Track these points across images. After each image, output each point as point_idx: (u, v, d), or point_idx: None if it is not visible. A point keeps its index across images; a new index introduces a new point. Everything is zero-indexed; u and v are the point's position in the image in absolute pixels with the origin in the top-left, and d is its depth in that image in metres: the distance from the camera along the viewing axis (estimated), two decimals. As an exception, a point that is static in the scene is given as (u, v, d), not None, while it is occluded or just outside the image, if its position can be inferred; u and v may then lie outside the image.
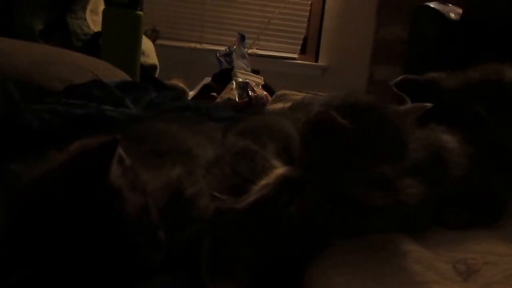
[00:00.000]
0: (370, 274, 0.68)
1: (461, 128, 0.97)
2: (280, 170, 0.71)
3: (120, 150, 0.57)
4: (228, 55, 2.41)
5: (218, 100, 2.03)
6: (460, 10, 2.27)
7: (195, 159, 0.81)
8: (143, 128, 0.92)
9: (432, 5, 2.34)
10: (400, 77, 1.09)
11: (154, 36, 3.06)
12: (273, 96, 1.83)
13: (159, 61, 2.56)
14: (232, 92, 2.01)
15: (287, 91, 1.67)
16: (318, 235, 0.75)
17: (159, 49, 2.68)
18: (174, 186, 0.71)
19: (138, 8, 2.02)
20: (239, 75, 2.19)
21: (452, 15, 2.27)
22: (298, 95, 1.61)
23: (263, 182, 0.70)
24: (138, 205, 0.59)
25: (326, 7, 3.46)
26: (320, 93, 1.56)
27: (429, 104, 0.82)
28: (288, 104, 1.47)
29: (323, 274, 0.69)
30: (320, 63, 3.50)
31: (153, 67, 2.49)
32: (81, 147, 0.57)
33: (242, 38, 2.50)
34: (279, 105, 1.58)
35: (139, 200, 0.60)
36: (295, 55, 3.52)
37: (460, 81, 1.05)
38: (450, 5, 2.36)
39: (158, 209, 0.63)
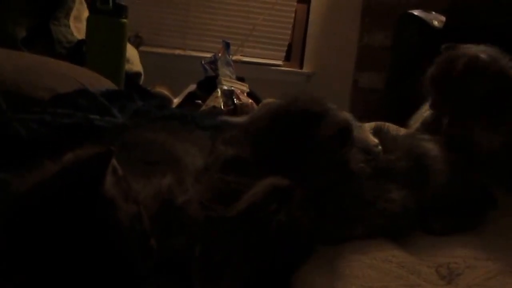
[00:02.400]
0: (356, 279, 0.70)
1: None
2: (269, 179, 0.73)
3: (114, 161, 0.59)
4: (213, 62, 2.41)
5: (204, 107, 2.04)
6: (443, 18, 2.32)
7: (185, 168, 0.82)
8: (133, 137, 0.93)
9: (415, 12, 2.38)
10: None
11: (137, 42, 3.06)
12: (259, 105, 1.85)
13: (142, 68, 2.57)
14: (217, 100, 2.02)
15: (272, 100, 1.68)
16: (305, 241, 0.76)
17: (142, 55, 2.68)
18: (165, 195, 0.72)
19: (123, 16, 2.02)
20: (224, 82, 2.20)
21: (436, 23, 2.31)
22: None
23: (253, 190, 0.71)
24: (131, 213, 0.60)
25: (310, 14, 3.48)
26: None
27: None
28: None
29: (310, 279, 0.71)
30: (304, 69, 3.52)
31: (138, 74, 2.49)
32: (75, 158, 0.58)
33: (227, 45, 2.51)
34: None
35: (132, 209, 0.61)
36: (280, 62, 3.54)
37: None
38: (433, 13, 2.40)
39: (150, 217, 0.64)
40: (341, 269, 0.73)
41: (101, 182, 0.57)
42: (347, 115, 0.88)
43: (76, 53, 2.16)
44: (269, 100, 1.70)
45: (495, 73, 1.04)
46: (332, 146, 0.80)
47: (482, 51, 1.07)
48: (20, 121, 1.06)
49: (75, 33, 2.28)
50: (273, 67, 3.50)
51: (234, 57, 2.94)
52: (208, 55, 2.59)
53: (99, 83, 1.56)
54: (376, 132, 0.97)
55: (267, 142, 0.82)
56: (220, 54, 2.45)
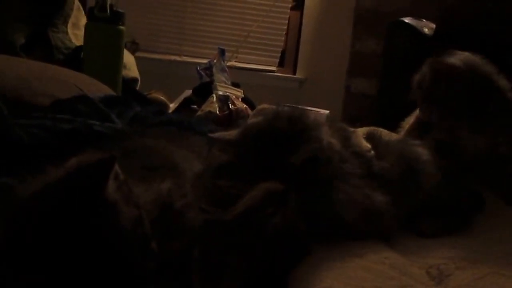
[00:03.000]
0: (350, 279, 0.72)
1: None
2: (265, 184, 0.75)
3: (116, 166, 0.60)
4: (208, 68, 2.43)
5: (199, 113, 2.06)
6: (433, 25, 2.34)
7: (183, 173, 0.84)
8: (133, 143, 0.94)
9: (406, 20, 2.41)
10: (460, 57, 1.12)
11: (133, 48, 3.07)
12: (254, 110, 1.87)
13: (139, 73, 2.58)
14: (212, 105, 2.04)
15: (267, 105, 1.70)
16: (301, 243, 0.79)
17: (138, 61, 2.70)
18: (164, 199, 0.73)
19: (120, 23, 2.04)
20: (219, 88, 2.22)
21: (426, 30, 2.34)
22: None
23: (249, 194, 0.74)
24: (132, 217, 0.62)
25: (303, 21, 3.51)
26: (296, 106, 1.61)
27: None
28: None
29: (307, 280, 0.73)
30: (298, 75, 3.55)
31: (135, 80, 2.50)
32: (79, 164, 0.60)
33: (222, 52, 2.53)
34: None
35: (133, 213, 0.62)
36: (274, 68, 3.56)
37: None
38: (424, 20, 2.43)
39: (151, 221, 0.65)
40: (336, 270, 0.75)
41: (103, 187, 0.58)
42: (324, 136, 0.88)
43: (73, 59, 2.17)
44: (264, 105, 1.72)
45: (475, 78, 1.08)
46: (304, 170, 0.82)
47: (462, 59, 1.11)
48: (21, 126, 1.08)
49: (73, 40, 2.29)
50: (267, 73, 3.52)
51: (229, 63, 2.96)
52: (204, 61, 2.61)
53: (98, 89, 1.57)
54: (369, 137, 1.00)
55: (252, 161, 0.84)
56: (215, 60, 2.47)
